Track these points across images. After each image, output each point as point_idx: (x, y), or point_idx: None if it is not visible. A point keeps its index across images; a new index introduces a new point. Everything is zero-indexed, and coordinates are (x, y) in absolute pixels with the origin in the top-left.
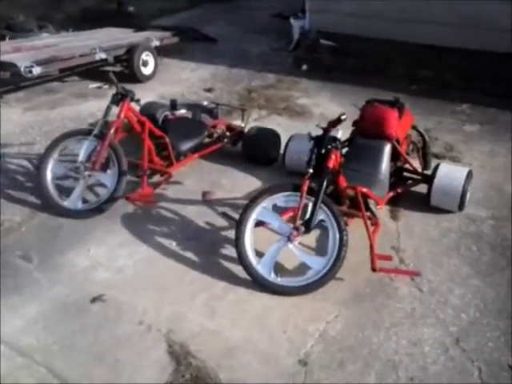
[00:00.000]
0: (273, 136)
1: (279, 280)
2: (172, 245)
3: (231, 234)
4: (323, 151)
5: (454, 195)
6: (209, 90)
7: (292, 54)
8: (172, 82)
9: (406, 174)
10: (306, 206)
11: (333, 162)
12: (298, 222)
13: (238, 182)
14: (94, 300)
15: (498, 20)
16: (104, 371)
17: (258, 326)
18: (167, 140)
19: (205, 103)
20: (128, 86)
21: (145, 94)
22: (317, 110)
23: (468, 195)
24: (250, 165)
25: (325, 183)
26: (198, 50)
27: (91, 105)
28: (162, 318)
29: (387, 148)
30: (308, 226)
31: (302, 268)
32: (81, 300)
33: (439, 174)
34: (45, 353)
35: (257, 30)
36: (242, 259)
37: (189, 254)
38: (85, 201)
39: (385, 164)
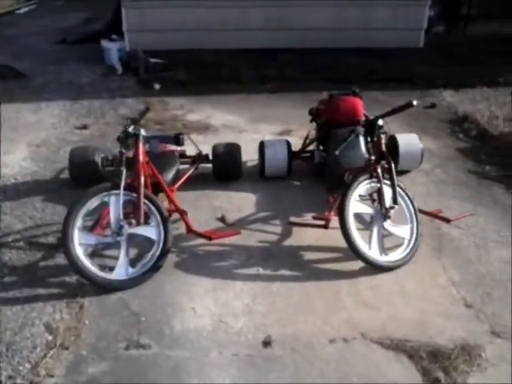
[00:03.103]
0: (238, 149)
1: (388, 258)
2: (259, 270)
3: (295, 241)
4: (375, 138)
5: (416, 157)
6: (84, 128)
7: (126, 77)
8: (26, 127)
9: None
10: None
11: (383, 146)
12: (386, 203)
13: (233, 200)
14: (266, 344)
15: (308, 21)
16: None
17: (410, 297)
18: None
19: (158, 133)
20: None
21: (11, 148)
22: (214, 122)
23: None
24: (221, 182)
25: (392, 163)
26: (14, 88)
27: None
28: (341, 328)
29: (362, 131)
30: (395, 200)
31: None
32: (253, 352)
33: (401, 144)
34: None
35: (57, 60)
36: (356, 251)
37: (285, 272)
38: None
39: (364, 145)
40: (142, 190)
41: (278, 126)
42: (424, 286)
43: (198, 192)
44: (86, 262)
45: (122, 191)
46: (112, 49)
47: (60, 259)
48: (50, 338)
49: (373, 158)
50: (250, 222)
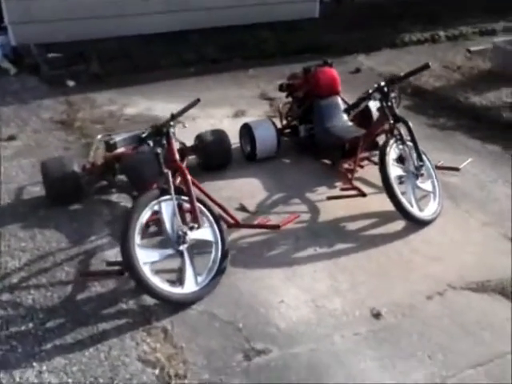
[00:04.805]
0: (226, 135)
1: (426, 212)
2: (317, 250)
3: (328, 215)
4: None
5: None
6: (11, 139)
7: (24, 76)
8: None
9: None
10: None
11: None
12: (414, 162)
13: (239, 188)
14: (377, 316)
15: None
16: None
17: (461, 244)
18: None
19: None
20: None
21: None
22: (158, 112)
23: None
24: (212, 172)
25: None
26: None
27: None
28: (427, 284)
29: (340, 100)
30: (421, 158)
31: None
32: (371, 327)
33: (372, 108)
34: None
35: None
36: (405, 212)
37: (341, 246)
38: None
39: (345, 114)
40: (193, 192)
41: (228, 109)
42: (464, 231)
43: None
44: (157, 281)
45: (173, 195)
46: None
47: (97, 288)
48: (157, 371)
49: (391, 121)
50: (272, 206)
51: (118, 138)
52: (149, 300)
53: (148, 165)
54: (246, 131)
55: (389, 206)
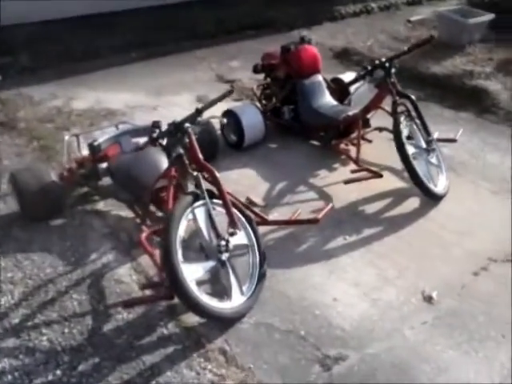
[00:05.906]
0: (213, 127)
1: (439, 187)
2: (347, 238)
3: (342, 200)
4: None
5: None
6: None
7: None
8: None
9: None
10: None
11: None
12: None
13: (236, 181)
14: (429, 300)
15: None
16: None
17: (481, 216)
18: None
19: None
20: None
21: None
22: (113, 105)
23: None
24: None
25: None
26: None
27: None
28: (467, 260)
29: (322, 78)
30: (429, 133)
31: None
32: (435, 313)
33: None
34: None
35: None
36: (425, 188)
37: (368, 231)
38: None
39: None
40: (227, 195)
41: (188, 95)
42: (478, 202)
43: None
44: (206, 299)
45: (208, 200)
46: None
47: (123, 315)
48: None
49: (397, 98)
50: (279, 197)
51: (100, 139)
52: (190, 319)
53: (145, 166)
54: (231, 118)
55: (396, 184)
